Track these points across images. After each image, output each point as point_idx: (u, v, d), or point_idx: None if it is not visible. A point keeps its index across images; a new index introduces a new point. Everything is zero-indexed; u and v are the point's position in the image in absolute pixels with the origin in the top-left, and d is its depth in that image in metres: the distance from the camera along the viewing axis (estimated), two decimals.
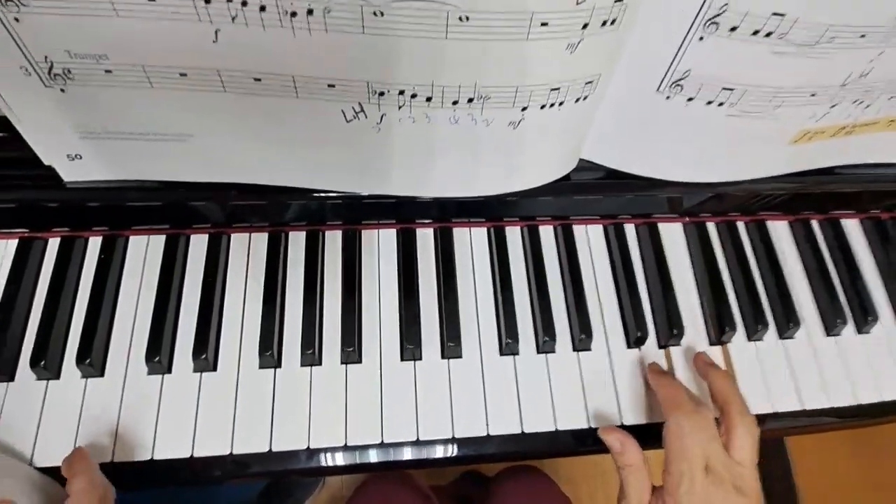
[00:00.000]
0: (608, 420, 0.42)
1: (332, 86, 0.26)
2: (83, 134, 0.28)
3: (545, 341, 0.43)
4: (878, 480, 0.85)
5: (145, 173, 0.32)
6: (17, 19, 0.22)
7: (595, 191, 0.39)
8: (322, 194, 0.38)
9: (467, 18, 0.22)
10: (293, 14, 0.22)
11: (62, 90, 0.26)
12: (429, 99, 0.27)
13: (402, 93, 0.26)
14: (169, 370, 0.41)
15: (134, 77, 0.25)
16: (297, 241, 0.45)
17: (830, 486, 0.95)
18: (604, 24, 0.24)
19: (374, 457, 0.40)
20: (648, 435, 0.39)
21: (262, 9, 0.22)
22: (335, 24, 0.23)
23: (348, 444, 0.40)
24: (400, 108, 0.27)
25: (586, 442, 0.42)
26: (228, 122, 0.28)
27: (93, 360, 0.40)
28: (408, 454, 0.41)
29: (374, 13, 0.22)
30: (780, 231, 0.51)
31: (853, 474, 0.90)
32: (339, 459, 0.40)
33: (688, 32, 0.26)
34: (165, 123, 0.28)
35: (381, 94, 0.26)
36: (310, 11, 0.22)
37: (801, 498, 0.98)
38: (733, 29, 0.25)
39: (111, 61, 0.25)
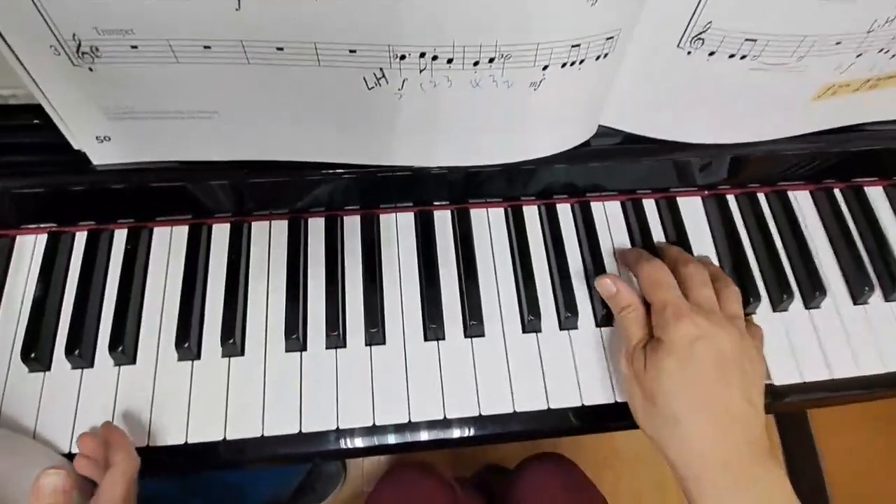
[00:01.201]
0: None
1: (354, 51, 0.26)
2: (111, 115, 0.29)
3: (567, 317, 0.43)
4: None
5: (172, 153, 0.33)
6: None
7: (616, 157, 0.39)
8: (341, 171, 0.39)
9: None
10: None
11: (90, 69, 0.27)
12: (450, 61, 0.27)
13: (422, 55, 0.27)
14: (198, 356, 0.42)
15: (159, 52, 0.26)
16: (316, 227, 0.46)
17: (856, 465, 0.94)
18: None
19: (401, 437, 0.41)
20: None
21: None
22: None
23: (376, 423, 0.41)
24: (421, 71, 0.28)
25: (613, 417, 0.42)
26: (253, 95, 0.29)
27: (125, 347, 0.41)
28: (434, 434, 0.41)
29: None
30: (801, 200, 0.50)
31: (880, 453, 0.88)
32: (368, 440, 0.41)
33: None
34: (191, 100, 0.29)
35: (403, 57, 0.27)
36: None
37: (827, 476, 0.97)
38: None
39: (137, 36, 0.25)
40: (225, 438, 0.40)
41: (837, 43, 0.28)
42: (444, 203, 0.47)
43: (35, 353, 0.40)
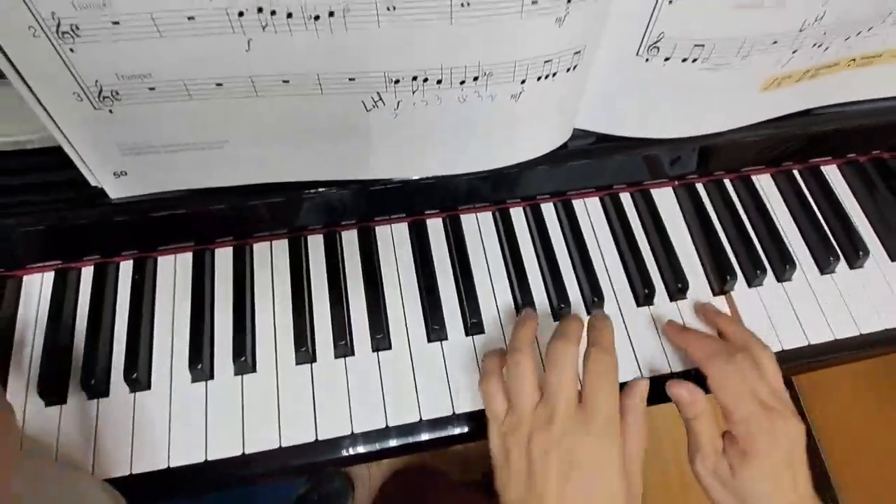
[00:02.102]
0: (627, 374, 0.45)
1: (353, 79, 0.29)
2: (127, 151, 0.31)
3: (561, 308, 0.46)
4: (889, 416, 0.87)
5: (184, 182, 0.35)
6: (72, 50, 0.25)
7: (591, 156, 0.42)
8: (336, 188, 0.41)
9: (468, 3, 0.26)
10: (316, 17, 0.25)
11: (110, 111, 0.29)
12: (439, 81, 0.30)
13: (415, 78, 0.30)
14: (211, 376, 0.43)
15: (175, 91, 0.28)
16: (315, 243, 0.48)
17: (845, 426, 0.97)
18: None
19: (414, 436, 0.43)
20: (662, 388, 0.42)
21: (289, 15, 0.25)
22: (353, 21, 0.26)
23: (389, 424, 0.42)
24: (414, 92, 0.30)
25: None
26: (260, 124, 0.31)
27: (139, 374, 0.42)
28: (446, 430, 0.43)
29: (388, 8, 0.25)
30: (764, 183, 0.54)
31: (866, 413, 0.92)
32: (383, 442, 0.42)
33: None
34: (203, 132, 0.31)
35: (397, 81, 0.29)
36: (331, 13, 0.25)
37: (819, 440, 1.00)
38: None
39: (154, 79, 0.28)
40: (244, 453, 0.41)
41: (774, 42, 0.32)
42: (435, 211, 0.50)
43: (51, 387, 0.41)
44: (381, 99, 0.30)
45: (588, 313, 0.47)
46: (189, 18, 0.25)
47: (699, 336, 0.42)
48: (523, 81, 0.31)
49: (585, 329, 0.39)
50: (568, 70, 0.32)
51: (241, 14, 0.25)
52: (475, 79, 0.30)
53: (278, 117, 0.31)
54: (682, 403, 0.39)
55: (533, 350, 0.37)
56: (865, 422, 0.93)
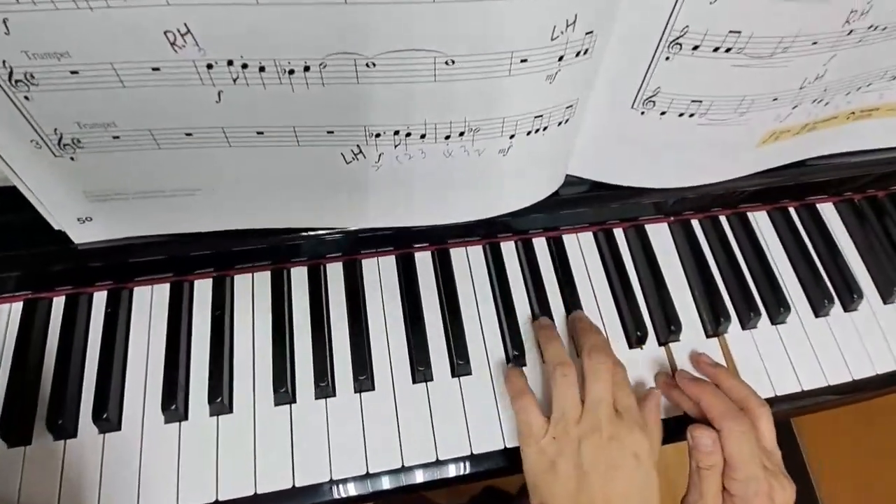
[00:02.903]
0: None
1: (332, 132, 0.28)
2: (93, 197, 0.30)
3: None
4: (881, 447, 0.87)
5: (153, 228, 0.33)
6: (27, 97, 0.24)
7: (583, 203, 0.41)
8: (322, 232, 0.40)
9: (453, 62, 0.24)
10: (291, 72, 0.24)
11: (72, 158, 0.27)
12: (423, 136, 0.28)
13: (397, 133, 0.28)
14: (186, 417, 0.41)
15: (141, 140, 0.27)
16: (299, 276, 0.46)
17: (839, 457, 0.97)
18: (577, 54, 0.26)
19: (395, 481, 0.41)
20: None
21: (262, 69, 0.24)
22: (331, 77, 0.24)
23: (370, 471, 0.41)
24: (396, 146, 0.29)
25: None
26: (233, 173, 0.29)
27: (109, 414, 0.40)
28: (429, 475, 0.42)
29: (367, 64, 0.24)
30: (760, 220, 0.53)
31: (860, 444, 0.92)
32: (362, 488, 0.41)
33: (654, 53, 0.28)
34: (172, 180, 0.29)
35: (378, 135, 0.28)
36: (306, 68, 0.24)
37: (811, 470, 1.00)
38: (695, 48, 0.27)
39: (119, 128, 0.26)
40: (217, 500, 0.39)
41: (774, 99, 0.31)
42: (424, 245, 0.48)
43: (14, 426, 0.39)
44: (361, 152, 0.29)
45: (578, 353, 0.46)
46: (154, 69, 0.23)
47: (714, 390, 0.41)
48: (512, 136, 0.30)
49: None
50: (560, 124, 0.30)
51: (209, 66, 0.23)
52: (461, 134, 0.29)
53: (253, 167, 0.29)
54: (701, 451, 0.38)
55: (572, 361, 0.40)
56: (857, 458, 0.93)
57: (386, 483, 0.41)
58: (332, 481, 0.40)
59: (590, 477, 0.35)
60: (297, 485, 0.40)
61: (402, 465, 0.41)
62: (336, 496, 0.41)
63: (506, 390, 0.42)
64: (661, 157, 0.35)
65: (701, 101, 0.30)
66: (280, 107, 0.26)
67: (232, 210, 0.33)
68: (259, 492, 0.40)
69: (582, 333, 0.43)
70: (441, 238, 0.48)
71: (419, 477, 0.41)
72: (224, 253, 0.43)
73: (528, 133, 0.30)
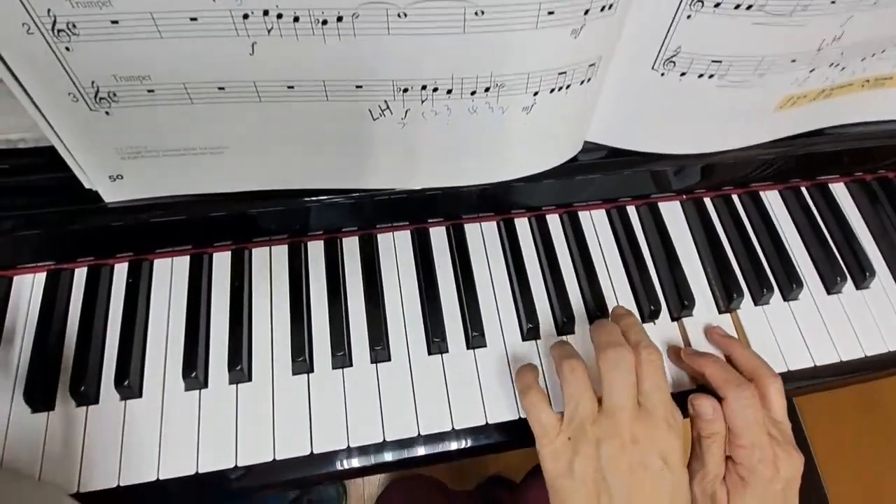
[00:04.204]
0: None
1: (360, 87, 0.28)
2: (125, 154, 0.30)
3: (564, 322, 0.45)
4: (886, 434, 0.87)
5: (182, 188, 0.34)
6: (68, 48, 0.24)
7: (601, 170, 0.42)
8: (340, 197, 0.40)
9: (483, 13, 0.25)
10: (324, 22, 0.24)
11: (107, 112, 0.28)
12: (449, 91, 0.29)
13: (424, 88, 0.29)
14: (205, 384, 0.42)
15: (175, 94, 0.27)
16: (316, 250, 0.47)
17: (843, 447, 0.97)
18: (602, 8, 0.27)
19: (411, 451, 0.41)
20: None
21: (296, 19, 0.24)
22: (363, 28, 0.25)
23: (387, 439, 0.41)
24: (423, 102, 0.30)
25: None
26: (262, 129, 0.30)
27: (130, 381, 0.41)
28: (443, 446, 0.42)
29: (399, 14, 0.24)
30: (772, 199, 0.53)
31: (864, 433, 0.92)
32: (379, 457, 0.41)
33: (677, 11, 0.28)
34: (202, 137, 0.30)
35: (406, 90, 0.29)
36: (339, 18, 0.24)
37: (816, 459, 1.00)
38: (717, 5, 0.28)
39: (154, 81, 0.26)
40: (237, 465, 0.40)
41: (793, 61, 0.31)
42: (438, 220, 0.49)
43: (38, 392, 0.40)
44: (388, 108, 0.29)
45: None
46: (192, 19, 0.23)
47: (716, 361, 0.41)
48: (536, 94, 0.30)
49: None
50: (582, 83, 0.31)
51: (245, 17, 0.24)
52: (486, 90, 0.29)
53: (281, 123, 0.30)
54: (702, 419, 0.38)
55: (580, 356, 0.37)
56: (861, 442, 0.93)
57: (401, 453, 0.41)
58: (348, 449, 0.41)
59: (609, 482, 0.33)
60: (314, 451, 0.40)
61: (419, 434, 0.42)
62: (353, 465, 0.41)
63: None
64: (680, 121, 0.36)
65: (721, 62, 0.30)
66: (311, 60, 0.26)
67: (257, 170, 0.33)
68: (277, 458, 0.40)
69: (595, 327, 0.40)
70: (456, 214, 0.49)
71: (434, 447, 0.42)
72: (243, 223, 0.43)
73: (552, 91, 0.30)
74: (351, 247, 0.48)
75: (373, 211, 0.46)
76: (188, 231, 0.43)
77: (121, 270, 0.45)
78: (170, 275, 0.45)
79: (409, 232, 0.48)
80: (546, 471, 0.35)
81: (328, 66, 0.27)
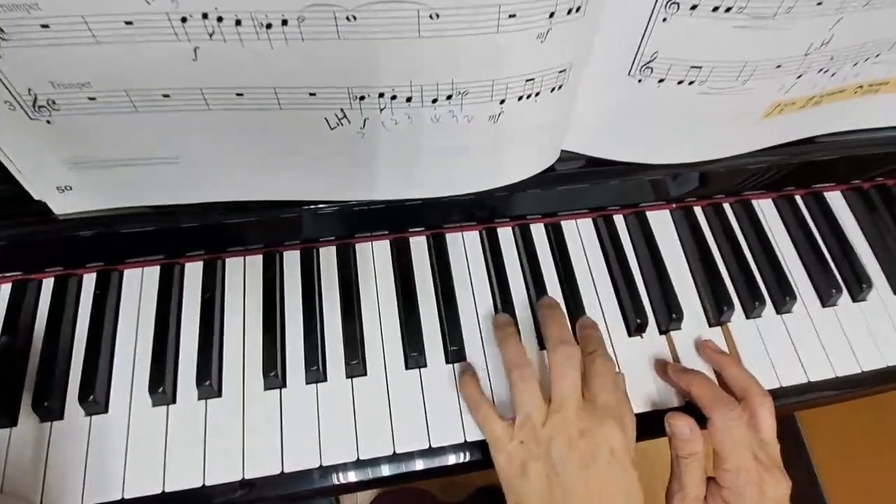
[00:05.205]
0: None
1: (314, 94, 0.27)
2: (71, 164, 0.29)
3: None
4: (887, 443, 0.85)
5: (136, 199, 0.33)
6: None
7: (581, 180, 0.40)
8: (312, 207, 0.39)
9: (437, 16, 0.23)
10: (268, 26, 0.23)
11: (48, 121, 0.26)
12: (409, 99, 0.27)
13: (381, 95, 0.27)
14: (174, 400, 0.41)
15: (118, 102, 0.26)
16: (292, 260, 0.46)
17: (844, 456, 0.95)
18: (569, 11, 0.25)
19: (387, 469, 0.40)
20: (654, 423, 0.39)
21: (238, 23, 0.23)
22: (310, 32, 0.23)
23: (361, 457, 0.40)
24: (381, 110, 0.28)
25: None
26: (215, 139, 0.29)
27: (96, 396, 0.39)
28: (420, 464, 0.40)
29: (347, 18, 0.23)
30: (765, 208, 0.52)
31: (863, 436, 0.90)
32: (353, 476, 0.40)
33: (651, 14, 0.27)
34: (152, 147, 0.29)
35: (362, 97, 0.27)
36: (284, 22, 0.23)
37: (815, 464, 0.97)
38: (694, 7, 0.26)
39: (94, 88, 0.25)
40: (204, 485, 0.38)
41: (778, 66, 0.29)
42: (419, 229, 0.47)
43: (1, 407, 0.39)
44: (345, 116, 0.28)
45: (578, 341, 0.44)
46: (127, 23, 0.22)
47: (703, 378, 0.40)
48: (502, 102, 0.29)
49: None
50: (553, 90, 0.29)
51: (184, 20, 0.22)
52: (448, 97, 0.28)
53: (235, 132, 0.29)
54: (679, 438, 0.37)
55: (531, 362, 0.39)
56: (863, 455, 0.91)
57: (377, 470, 0.40)
58: (321, 468, 0.39)
59: (562, 477, 0.34)
60: (285, 471, 0.39)
61: (394, 452, 0.40)
62: (326, 483, 0.40)
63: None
64: (661, 131, 0.34)
65: (700, 67, 0.29)
66: (259, 66, 0.25)
67: (215, 181, 0.32)
68: (247, 477, 0.39)
69: (547, 324, 0.41)
70: (437, 223, 0.47)
71: (412, 465, 0.40)
72: (215, 234, 0.42)
73: (520, 98, 0.29)
74: (328, 257, 0.46)
75: (351, 221, 0.45)
76: (155, 242, 0.41)
77: (89, 281, 0.44)
78: (139, 286, 0.44)
79: (388, 242, 0.47)
80: (501, 473, 0.37)
81: (278, 72, 0.25)
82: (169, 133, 0.28)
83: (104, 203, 0.33)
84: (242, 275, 0.45)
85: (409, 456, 0.40)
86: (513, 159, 0.34)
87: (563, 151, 0.37)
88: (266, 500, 0.40)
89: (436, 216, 0.46)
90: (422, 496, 0.77)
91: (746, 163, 0.42)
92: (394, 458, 0.40)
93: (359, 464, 0.40)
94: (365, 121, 0.29)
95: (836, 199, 0.53)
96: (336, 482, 0.40)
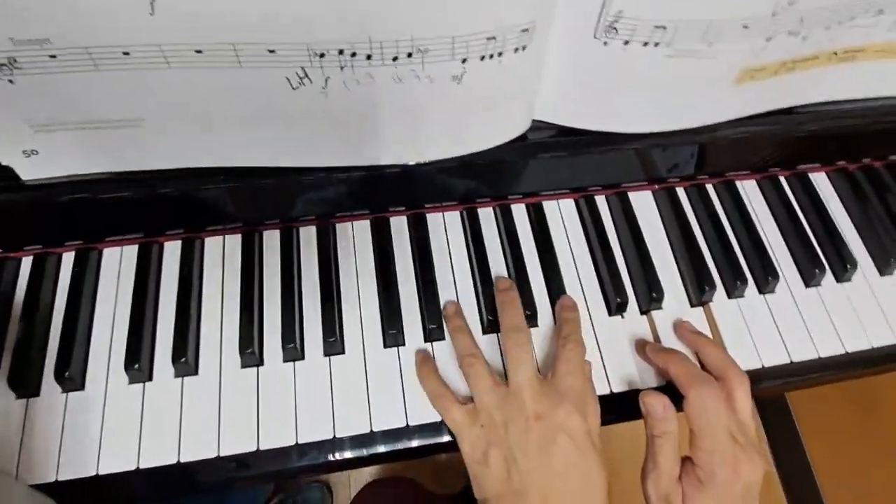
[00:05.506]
0: (595, 386, 0.42)
1: (273, 51, 0.27)
2: (36, 127, 0.29)
3: (526, 315, 0.43)
4: (880, 434, 0.84)
5: (102, 165, 0.32)
6: None
7: (555, 149, 0.40)
8: (288, 179, 0.39)
9: None
10: None
11: (10, 81, 0.26)
12: (369, 56, 0.27)
13: (341, 52, 0.27)
14: (150, 378, 0.40)
15: (78, 60, 0.26)
16: (271, 239, 0.46)
17: (835, 440, 0.94)
18: None
19: (363, 449, 0.40)
20: (634, 404, 0.39)
21: None
22: None
23: (337, 436, 0.40)
24: (342, 69, 0.28)
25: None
26: (178, 101, 0.29)
27: (71, 373, 0.39)
28: (398, 443, 0.40)
29: None
30: (749, 189, 0.51)
31: (857, 432, 0.89)
32: (329, 455, 0.40)
33: None
34: (115, 108, 0.29)
35: (322, 55, 0.27)
36: None
37: (809, 454, 0.97)
38: None
39: (54, 45, 0.25)
40: (179, 461, 0.38)
41: (745, 27, 0.29)
42: (399, 209, 0.47)
43: None
44: (307, 76, 0.28)
45: (556, 321, 0.44)
46: None
47: (681, 357, 0.39)
48: (464, 61, 0.28)
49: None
50: (516, 50, 0.29)
51: None
52: (409, 55, 0.28)
53: (198, 93, 0.28)
54: (653, 417, 0.37)
55: (479, 348, 0.40)
56: (855, 443, 0.90)
57: (354, 450, 0.40)
58: (297, 446, 0.39)
59: (519, 461, 0.34)
60: (261, 448, 0.39)
61: (371, 431, 0.40)
62: (302, 463, 0.40)
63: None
64: (630, 97, 0.34)
65: (665, 28, 0.29)
66: (216, 21, 0.25)
67: (180, 146, 0.32)
68: (222, 454, 0.39)
69: (501, 309, 0.41)
70: (417, 203, 0.47)
71: (390, 444, 0.40)
72: (190, 206, 0.42)
73: (483, 58, 0.28)
74: (308, 236, 0.46)
75: (330, 199, 0.45)
76: (130, 215, 0.41)
77: (69, 260, 0.44)
78: (118, 264, 0.44)
79: (368, 221, 0.47)
80: (466, 460, 0.37)
81: (236, 27, 0.25)
82: (132, 93, 0.28)
83: (71, 168, 0.33)
84: (221, 254, 0.45)
85: (387, 435, 0.40)
86: (481, 125, 0.34)
87: (534, 121, 0.37)
88: (244, 478, 0.40)
89: (416, 195, 0.46)
90: (410, 488, 0.77)
91: (727, 135, 0.41)
92: (371, 436, 0.40)
93: (335, 442, 0.40)
94: (326, 80, 0.29)
95: (821, 181, 0.53)
96: (313, 461, 0.40)
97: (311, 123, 0.31)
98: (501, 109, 0.34)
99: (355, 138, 0.33)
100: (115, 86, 0.27)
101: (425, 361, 0.41)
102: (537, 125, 0.37)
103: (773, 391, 0.46)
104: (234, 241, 0.45)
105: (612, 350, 0.43)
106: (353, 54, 0.27)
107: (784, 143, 0.46)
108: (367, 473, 1.04)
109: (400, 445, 0.40)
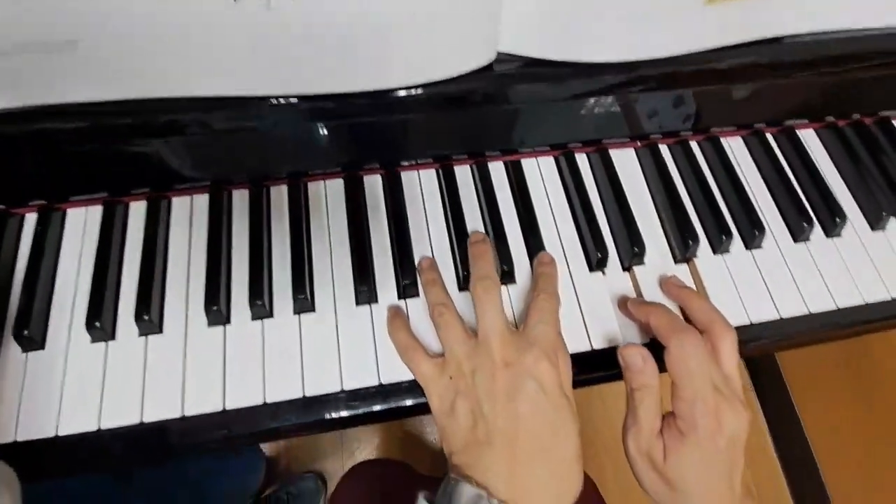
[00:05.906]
0: (575, 343, 0.40)
1: None
2: None
3: (504, 272, 0.42)
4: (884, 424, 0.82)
5: (38, 97, 0.31)
6: None
7: (522, 80, 0.38)
8: (260, 126, 0.37)
9: None
10: None
11: None
12: None
13: None
14: (113, 336, 0.39)
15: None
16: (241, 198, 0.44)
17: (832, 419, 0.92)
18: None
19: (335, 409, 0.38)
20: (615, 360, 0.37)
21: None
22: None
23: (307, 394, 0.38)
24: None
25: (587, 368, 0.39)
26: (113, 20, 0.27)
27: (31, 332, 0.38)
28: (372, 403, 0.39)
29: None
30: (734, 146, 0.50)
31: (847, 388, 0.87)
32: (299, 415, 0.38)
33: None
34: (44, 27, 0.27)
35: None
36: None
37: (807, 432, 0.95)
38: None
39: None
40: (142, 422, 0.37)
41: None
42: (374, 167, 0.46)
43: None
44: None
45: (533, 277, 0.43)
46: None
47: (663, 309, 0.38)
48: None
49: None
50: None
51: None
52: None
53: (133, 10, 0.27)
54: (631, 370, 0.35)
55: (451, 299, 0.39)
56: (855, 421, 0.89)
57: (325, 410, 0.38)
58: (265, 405, 0.38)
59: (486, 411, 0.33)
60: (227, 408, 0.37)
61: (342, 389, 0.38)
62: (271, 424, 0.38)
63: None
64: (595, 23, 0.32)
65: None
66: None
67: (120, 72, 0.30)
68: (186, 414, 0.37)
69: (473, 262, 0.40)
70: (391, 158, 0.46)
71: (364, 406, 0.39)
72: (158, 166, 0.41)
73: None
74: (279, 195, 0.45)
75: (303, 156, 0.44)
76: (93, 171, 0.40)
77: (31, 219, 0.42)
78: (83, 224, 0.43)
79: (341, 180, 0.46)
80: (434, 414, 0.36)
81: None
82: (60, 10, 0.27)
83: (9, 99, 0.31)
84: (189, 214, 0.44)
85: (358, 393, 0.39)
86: (440, 49, 0.32)
87: (500, 53, 0.35)
88: (211, 441, 0.38)
89: (391, 151, 0.45)
90: (399, 470, 0.75)
91: (709, 67, 0.39)
92: (342, 395, 0.39)
93: (306, 402, 0.38)
94: None
95: (809, 138, 0.51)
96: (280, 424, 0.38)
97: (256, 43, 0.29)
98: (460, 31, 0.32)
99: (308, 60, 0.31)
100: (45, 4, 0.26)
101: (396, 315, 0.40)
102: (503, 58, 0.36)
103: (764, 349, 0.44)
104: (202, 201, 0.44)
105: (592, 305, 0.42)
106: None
107: (771, 93, 0.44)
108: (360, 459, 1.03)
109: (375, 406, 0.39)
